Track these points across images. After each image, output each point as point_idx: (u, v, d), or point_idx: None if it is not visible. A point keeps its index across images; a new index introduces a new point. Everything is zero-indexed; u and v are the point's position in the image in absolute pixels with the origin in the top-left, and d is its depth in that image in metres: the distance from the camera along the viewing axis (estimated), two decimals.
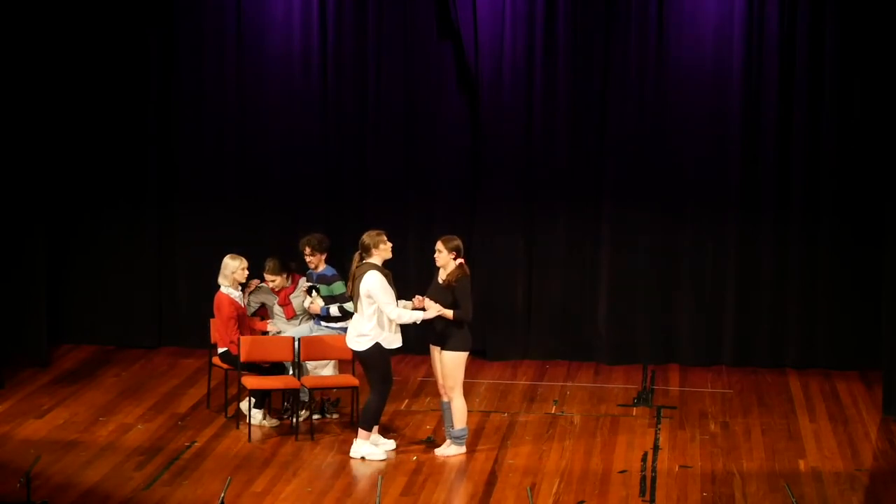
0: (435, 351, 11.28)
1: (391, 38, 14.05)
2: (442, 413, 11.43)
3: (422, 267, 14.32)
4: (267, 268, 12.34)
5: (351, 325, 11.34)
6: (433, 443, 11.60)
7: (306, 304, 12.21)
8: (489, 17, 13.85)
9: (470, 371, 12.25)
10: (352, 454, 11.21)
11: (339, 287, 12.13)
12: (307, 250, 12.19)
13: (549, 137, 14.02)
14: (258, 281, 12.55)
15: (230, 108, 14.33)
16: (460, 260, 11.20)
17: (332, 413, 12.25)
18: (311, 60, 14.14)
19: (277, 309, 12.49)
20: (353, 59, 14.14)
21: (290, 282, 12.47)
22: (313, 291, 12.15)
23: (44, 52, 13.87)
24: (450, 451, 11.31)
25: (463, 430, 11.29)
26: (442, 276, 11.23)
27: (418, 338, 14.17)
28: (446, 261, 11.19)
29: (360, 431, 11.22)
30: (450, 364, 11.16)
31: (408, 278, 14.34)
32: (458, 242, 11.22)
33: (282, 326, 12.36)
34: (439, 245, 11.21)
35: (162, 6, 14.24)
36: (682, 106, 13.82)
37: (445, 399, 11.30)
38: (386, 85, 14.14)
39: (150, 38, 14.24)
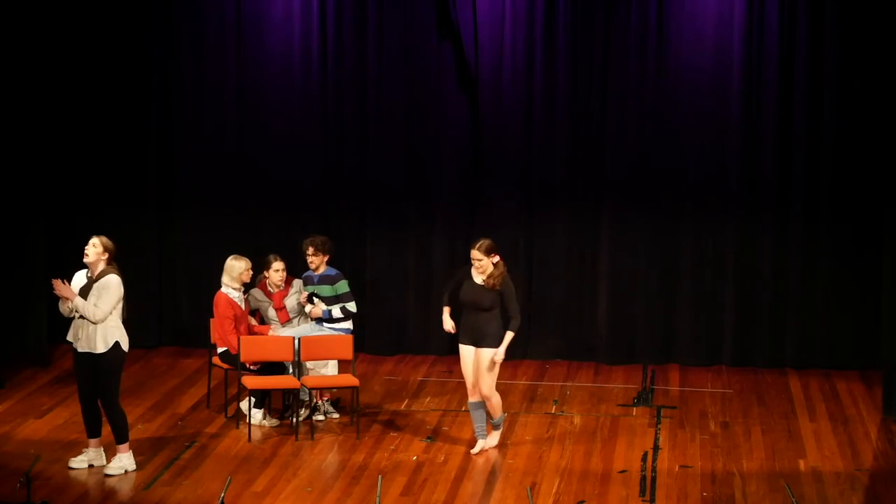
0: (468, 350, 11.23)
1: (391, 38, 14.05)
2: (470, 413, 11.36)
3: (421, 267, 14.34)
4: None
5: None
6: (433, 443, 11.60)
7: (307, 310, 12.19)
8: (489, 17, 13.85)
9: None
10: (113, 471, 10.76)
11: (343, 286, 12.13)
12: (310, 250, 12.13)
13: (548, 137, 14.01)
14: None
15: (230, 109, 14.32)
16: (497, 257, 11.13)
17: (331, 413, 12.25)
18: (311, 60, 14.13)
19: (272, 313, 12.43)
20: (353, 59, 14.13)
21: (284, 285, 12.45)
22: (314, 298, 12.14)
23: (44, 52, 13.87)
24: (492, 440, 11.35)
25: (503, 416, 11.37)
26: (482, 279, 11.11)
27: (417, 338, 14.23)
28: (487, 265, 11.09)
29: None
30: (490, 360, 11.15)
31: (407, 277, 14.38)
32: (489, 242, 11.10)
33: (281, 332, 12.29)
34: (476, 254, 11.01)
35: (162, 7, 14.24)
36: (681, 106, 13.81)
37: (474, 399, 11.25)
38: (386, 85, 14.14)
39: (150, 39, 14.24)
